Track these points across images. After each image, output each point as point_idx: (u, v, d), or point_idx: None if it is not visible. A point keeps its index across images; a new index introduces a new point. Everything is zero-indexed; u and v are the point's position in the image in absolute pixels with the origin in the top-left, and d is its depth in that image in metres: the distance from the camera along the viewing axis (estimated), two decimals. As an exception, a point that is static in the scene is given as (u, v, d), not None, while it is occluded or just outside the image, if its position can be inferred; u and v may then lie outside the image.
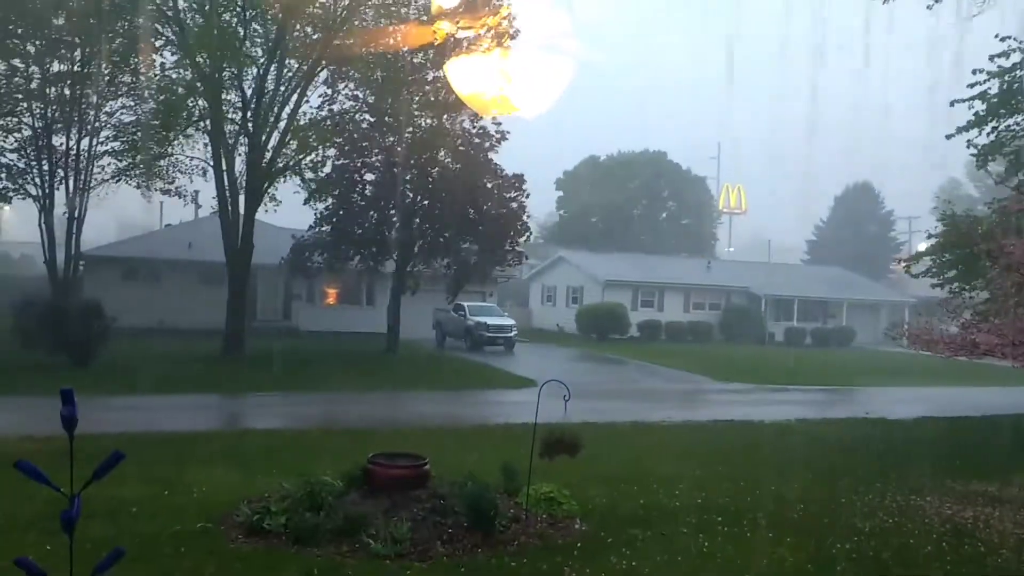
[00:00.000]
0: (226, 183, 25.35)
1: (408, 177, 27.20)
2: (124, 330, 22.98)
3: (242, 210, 25.64)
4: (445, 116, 26.52)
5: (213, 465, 10.42)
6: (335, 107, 27.07)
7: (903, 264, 21.44)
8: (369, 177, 27.70)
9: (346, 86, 26.95)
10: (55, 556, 5.69)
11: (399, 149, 26.56)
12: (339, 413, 16.71)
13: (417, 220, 27.47)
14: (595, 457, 10.11)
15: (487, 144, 26.91)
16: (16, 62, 25.75)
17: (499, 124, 26.74)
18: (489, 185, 27.23)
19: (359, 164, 27.32)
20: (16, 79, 26.20)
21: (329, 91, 26.75)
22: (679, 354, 32.48)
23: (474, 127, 26.86)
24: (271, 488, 8.61)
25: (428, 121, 27.02)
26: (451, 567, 6.84)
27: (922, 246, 23.45)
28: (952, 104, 17.67)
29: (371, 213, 27.45)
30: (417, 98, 26.52)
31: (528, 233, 30.16)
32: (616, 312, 41.28)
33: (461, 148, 26.89)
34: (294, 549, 7.06)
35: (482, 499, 7.69)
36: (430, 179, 26.99)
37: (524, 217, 28.27)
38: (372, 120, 27.18)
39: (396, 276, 28.65)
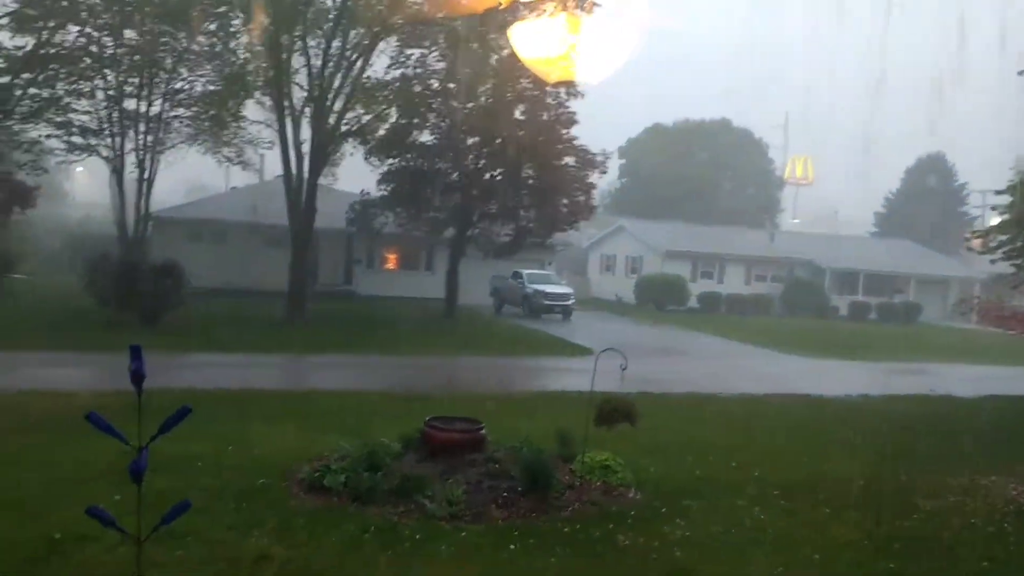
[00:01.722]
0: (290, 147, 25.67)
1: (472, 142, 27.22)
2: (191, 290, 23.53)
3: (306, 174, 25.96)
4: (512, 81, 26.37)
5: (275, 423, 10.68)
6: (400, 71, 27.12)
7: (975, 238, 20.83)
8: (433, 140, 27.80)
9: (408, 52, 26.97)
10: (123, 506, 5.90)
11: (464, 113, 26.57)
12: (397, 376, 16.93)
13: (480, 185, 27.47)
14: (651, 427, 10.09)
15: (558, 112, 26.77)
16: (89, 30, 26.29)
17: (569, 90, 26.55)
18: (564, 162, 27.14)
19: (423, 127, 27.41)
20: (91, 46, 26.77)
21: (394, 54, 26.79)
22: (739, 326, 32.15)
23: (543, 92, 26.67)
24: (331, 447, 8.80)
25: (495, 86, 26.91)
26: (505, 530, 6.93)
27: (995, 220, 22.71)
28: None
29: (433, 177, 27.56)
30: (483, 62, 26.38)
31: (594, 208, 30.11)
32: (676, 283, 40.95)
33: (529, 114, 26.76)
34: (353, 507, 7.22)
35: (537, 464, 7.76)
36: (496, 144, 26.95)
37: (593, 193, 28.20)
38: (437, 83, 27.19)
39: (455, 241, 28.79)
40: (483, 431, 8.49)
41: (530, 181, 27.05)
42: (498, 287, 34.29)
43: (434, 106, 27.20)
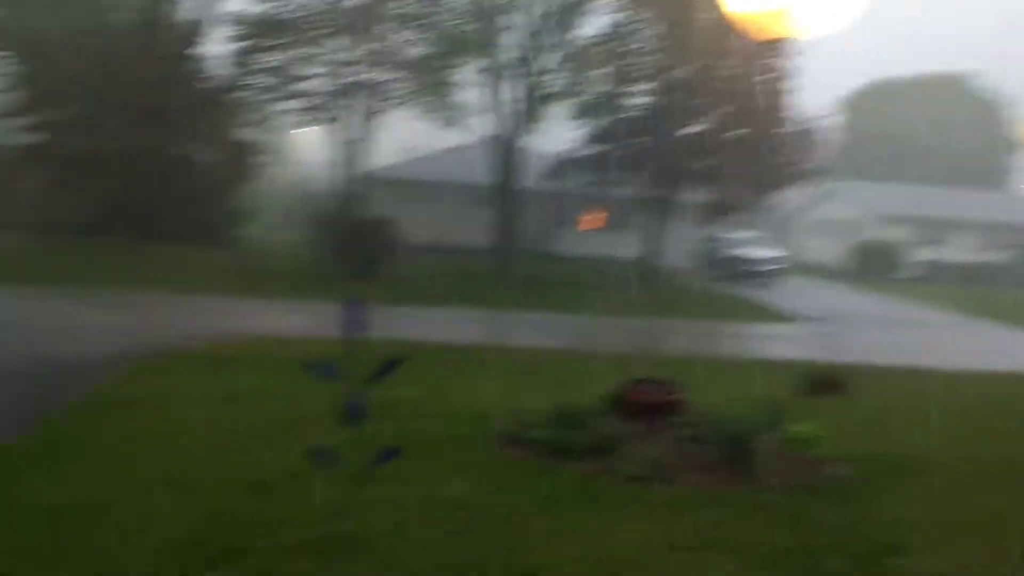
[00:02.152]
0: (498, 109, 26.17)
1: (684, 101, 26.64)
2: (403, 247, 24.64)
3: (512, 135, 26.41)
4: (727, 37, 25.53)
5: (478, 376, 11.05)
6: (610, 30, 26.89)
7: None
8: (642, 100, 27.43)
9: (618, 11, 26.67)
10: (339, 448, 6.32)
11: (675, 71, 26.00)
12: (596, 336, 17.00)
13: (690, 145, 26.86)
14: (862, 400, 9.60)
15: (774, 69, 25.72)
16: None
17: (787, 46, 25.44)
18: (779, 120, 26.12)
19: (632, 87, 27.10)
20: (317, 15, 28.36)
21: (604, 13, 26.60)
22: (967, 298, 29.79)
23: (758, 49, 25.66)
24: (531, 402, 8.99)
25: (708, 43, 26.14)
26: (700, 496, 6.84)
27: None
28: None
29: (642, 137, 27.22)
30: (695, 18, 25.67)
31: (812, 170, 28.79)
32: (894, 249, 38.49)
33: (744, 71, 25.85)
34: (551, 462, 7.36)
35: (737, 432, 7.58)
36: (709, 102, 26.25)
37: (811, 154, 26.97)
38: (648, 42, 26.75)
39: (660, 202, 28.40)
40: (681, 395, 8.39)
41: (743, 141, 26.16)
42: (702, 249, 33.58)
43: (644, 65, 26.78)
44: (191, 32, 28.42)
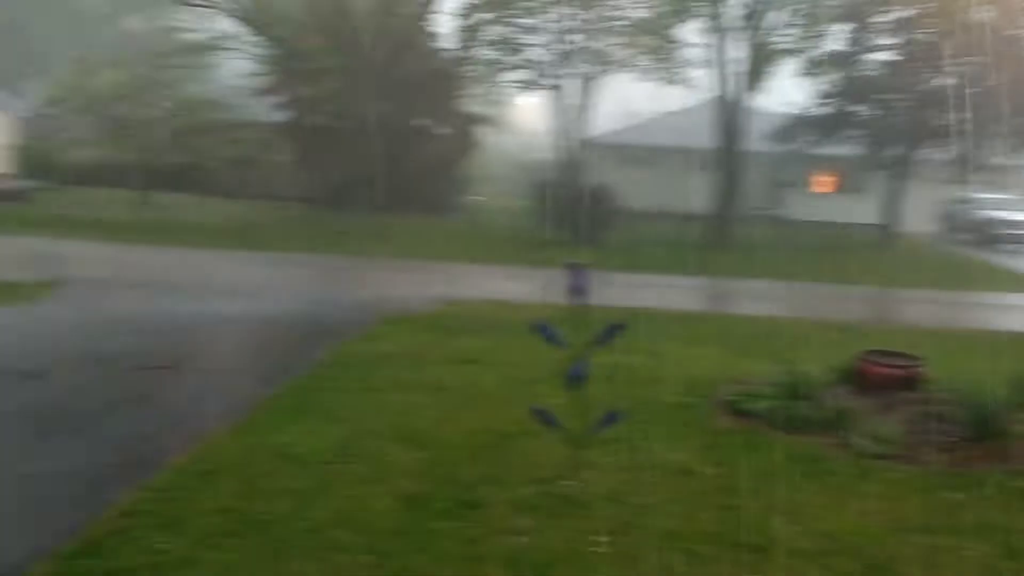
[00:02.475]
0: (723, 68, 25.36)
1: (925, 52, 24.62)
2: (624, 212, 24.56)
3: (737, 95, 25.53)
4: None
5: (699, 344, 10.86)
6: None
7: None
8: (880, 53, 25.64)
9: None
10: (563, 409, 6.44)
11: (920, 21, 24.06)
12: (825, 305, 16.22)
13: (934, 100, 24.81)
14: None
15: None
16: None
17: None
18: None
19: (870, 39, 25.36)
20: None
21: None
22: None
23: None
24: (755, 372, 8.74)
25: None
26: (944, 476, 6.37)
27: None
28: None
29: (880, 92, 25.43)
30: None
31: None
32: None
33: (1000, 14, 23.52)
34: (776, 434, 7.12)
35: (984, 409, 6.98)
36: (956, 52, 24.07)
37: None
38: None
39: (898, 162, 26.49)
40: (922, 368, 7.85)
41: (996, 93, 23.79)
42: (947, 212, 31.04)
43: (881, 17, 24.97)
44: (425, 7, 29.58)
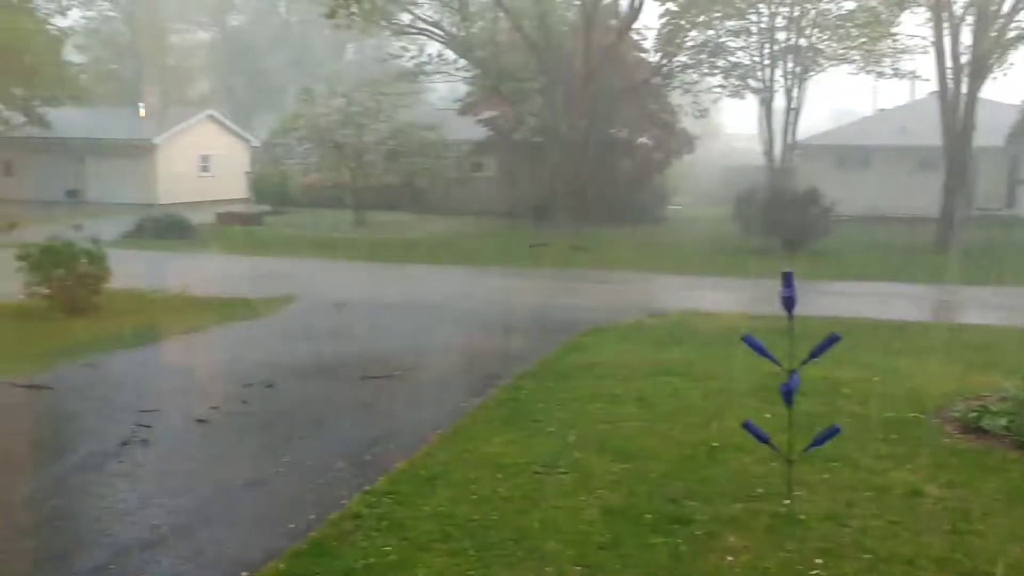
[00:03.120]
0: (948, 59, 23.66)
1: None
2: (836, 217, 23.40)
3: (964, 88, 23.72)
4: None
5: (924, 356, 10.17)
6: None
7: None
8: None
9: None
10: (774, 423, 6.24)
11: None
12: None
13: None
14: None
15: None
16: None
17: None
18: None
19: None
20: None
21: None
22: None
23: None
24: (988, 387, 8.08)
25: None
26: None
27: None
28: None
29: None
30: None
31: None
32: None
33: None
34: (1016, 454, 6.55)
35: None
36: None
37: None
38: None
39: None
40: None
41: None
42: None
43: None
44: (628, 18, 29.63)
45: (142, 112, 37.64)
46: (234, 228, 27.08)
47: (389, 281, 17.64)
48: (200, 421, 7.65)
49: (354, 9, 9.45)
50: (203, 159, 36.54)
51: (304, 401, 8.57)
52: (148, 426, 7.36)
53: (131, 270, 14.98)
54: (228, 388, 8.80)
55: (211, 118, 37.98)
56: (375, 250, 22.21)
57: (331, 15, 9.90)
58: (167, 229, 23.37)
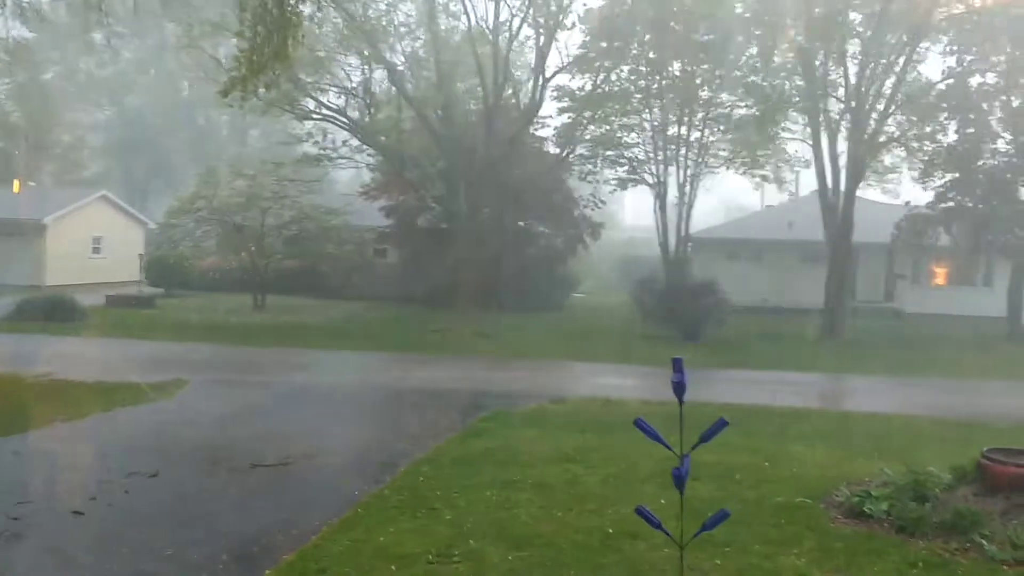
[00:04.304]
0: (826, 161, 25.12)
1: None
2: (729, 308, 24.19)
3: (842, 187, 25.18)
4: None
5: (812, 442, 10.48)
6: (952, 67, 24.95)
7: None
8: (997, 146, 24.93)
9: (958, 49, 24.61)
10: (668, 509, 6.29)
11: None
12: (945, 401, 15.46)
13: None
14: None
15: None
16: (642, 67, 28.77)
17: None
18: None
19: (982, 133, 24.68)
20: (640, 82, 29.27)
21: (944, 52, 24.76)
22: None
23: None
24: (872, 472, 8.38)
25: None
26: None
27: None
28: None
29: (996, 185, 24.56)
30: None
31: None
32: None
33: None
34: (896, 537, 6.77)
35: None
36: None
37: None
38: (996, 83, 24.39)
39: (1019, 255, 25.41)
40: (1057, 468, 7.35)
41: None
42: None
43: (996, 106, 24.37)
44: (529, 110, 30.51)
45: (16, 188, 36.39)
46: (124, 311, 26.19)
47: (284, 366, 17.26)
48: (77, 513, 7.25)
49: (252, 89, 9.48)
50: (95, 240, 35.44)
51: (190, 491, 8.22)
52: (18, 519, 6.94)
53: (5, 352, 14.28)
54: (109, 478, 8.37)
55: (104, 198, 37.03)
56: (272, 334, 21.78)
57: (224, 94, 9.88)
58: (52, 311, 22.39)
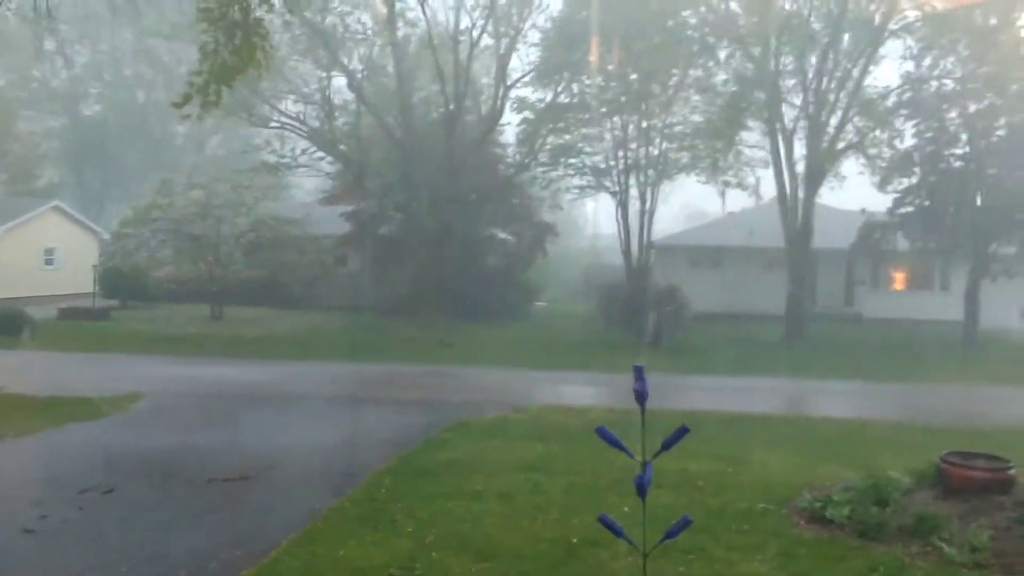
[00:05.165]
0: (785, 168, 25.40)
1: (998, 144, 24.23)
2: (691, 314, 24.33)
3: (801, 194, 25.46)
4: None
5: (774, 448, 10.53)
6: (906, 75, 25.37)
7: None
8: (954, 152, 25.36)
9: (916, 54, 25.04)
10: (631, 517, 6.25)
11: (991, 114, 23.79)
12: (906, 405, 15.67)
13: (1012, 192, 24.24)
14: None
15: None
16: (600, 80, 28.95)
17: None
18: None
19: (939, 139, 25.10)
20: (600, 93, 29.43)
21: (905, 59, 25.17)
22: None
23: None
24: (834, 477, 8.42)
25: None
26: (1043, 587, 5.97)
27: None
28: None
29: (952, 191, 24.95)
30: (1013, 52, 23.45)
31: None
32: None
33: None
34: (858, 542, 6.80)
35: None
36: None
37: None
38: (953, 88, 24.82)
39: (976, 258, 25.84)
40: (1012, 470, 7.45)
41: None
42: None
43: (952, 113, 24.81)
44: (488, 122, 30.50)
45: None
46: (78, 323, 25.68)
47: (243, 377, 17.01)
48: (28, 531, 7.04)
49: (211, 98, 9.29)
50: (47, 251, 34.69)
51: (146, 507, 8.02)
52: (-35, 538, 6.72)
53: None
54: (62, 494, 8.15)
55: (57, 209, 36.29)
56: (230, 346, 21.47)
57: (181, 104, 9.69)
58: (2, 324, 21.87)
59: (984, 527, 6.71)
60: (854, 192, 29.86)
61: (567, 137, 30.48)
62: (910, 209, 25.65)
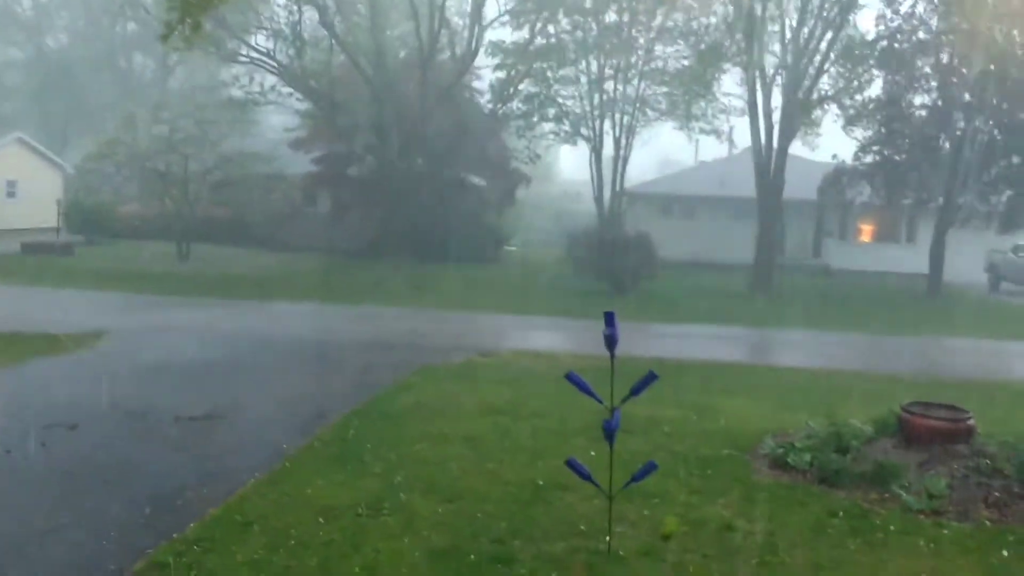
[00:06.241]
0: (760, 117, 25.34)
1: (972, 99, 24.33)
2: (661, 262, 24.42)
3: (775, 144, 25.47)
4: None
5: (739, 396, 10.66)
6: (882, 27, 25.27)
7: None
8: (921, 101, 25.46)
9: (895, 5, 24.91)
10: (598, 461, 6.32)
11: (963, 67, 23.82)
12: (868, 356, 15.92)
13: (978, 148, 24.43)
14: None
15: None
16: (577, 16, 28.54)
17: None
18: None
19: (910, 89, 25.16)
20: (576, 33, 29.05)
21: (884, 11, 25.03)
22: None
23: None
24: (796, 425, 8.54)
25: (1005, 33, 23.70)
26: (996, 533, 6.13)
27: None
28: None
29: (920, 141, 25.12)
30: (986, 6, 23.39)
31: None
32: None
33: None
34: (818, 488, 6.93)
35: (1039, 465, 6.73)
36: (997, 100, 23.79)
37: None
38: (929, 36, 24.79)
39: (942, 211, 26.11)
40: (971, 420, 7.60)
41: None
42: (995, 261, 30.37)
43: (924, 64, 24.81)
44: (462, 64, 30.06)
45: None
46: (41, 258, 25.27)
47: (210, 316, 16.86)
48: (-11, 466, 6.98)
49: (187, 33, 9.00)
50: (9, 184, 33.92)
51: (110, 444, 7.98)
52: (-75, 473, 6.64)
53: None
54: (24, 430, 8.07)
55: (19, 141, 35.39)
56: (195, 284, 21.26)
57: (166, 37, 9.38)
58: (-37, 257, 21.52)
59: (942, 475, 6.86)
60: (828, 146, 29.93)
61: (543, 81, 30.16)
62: (876, 158, 25.79)
